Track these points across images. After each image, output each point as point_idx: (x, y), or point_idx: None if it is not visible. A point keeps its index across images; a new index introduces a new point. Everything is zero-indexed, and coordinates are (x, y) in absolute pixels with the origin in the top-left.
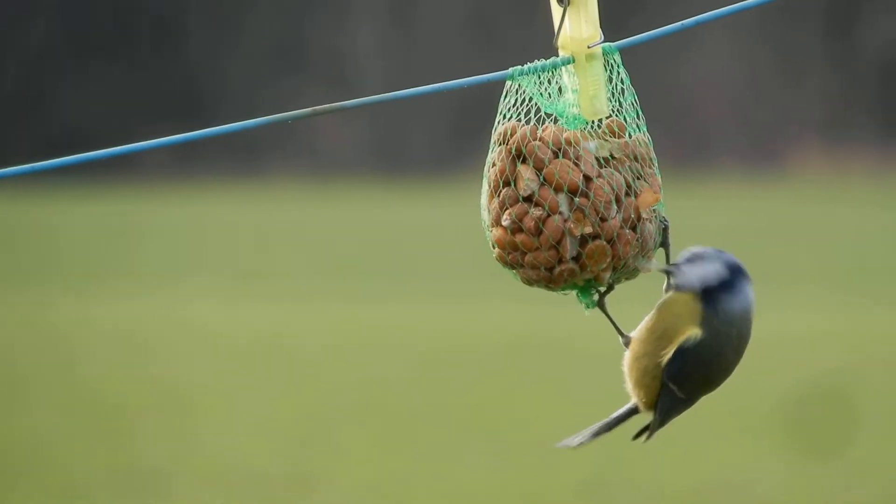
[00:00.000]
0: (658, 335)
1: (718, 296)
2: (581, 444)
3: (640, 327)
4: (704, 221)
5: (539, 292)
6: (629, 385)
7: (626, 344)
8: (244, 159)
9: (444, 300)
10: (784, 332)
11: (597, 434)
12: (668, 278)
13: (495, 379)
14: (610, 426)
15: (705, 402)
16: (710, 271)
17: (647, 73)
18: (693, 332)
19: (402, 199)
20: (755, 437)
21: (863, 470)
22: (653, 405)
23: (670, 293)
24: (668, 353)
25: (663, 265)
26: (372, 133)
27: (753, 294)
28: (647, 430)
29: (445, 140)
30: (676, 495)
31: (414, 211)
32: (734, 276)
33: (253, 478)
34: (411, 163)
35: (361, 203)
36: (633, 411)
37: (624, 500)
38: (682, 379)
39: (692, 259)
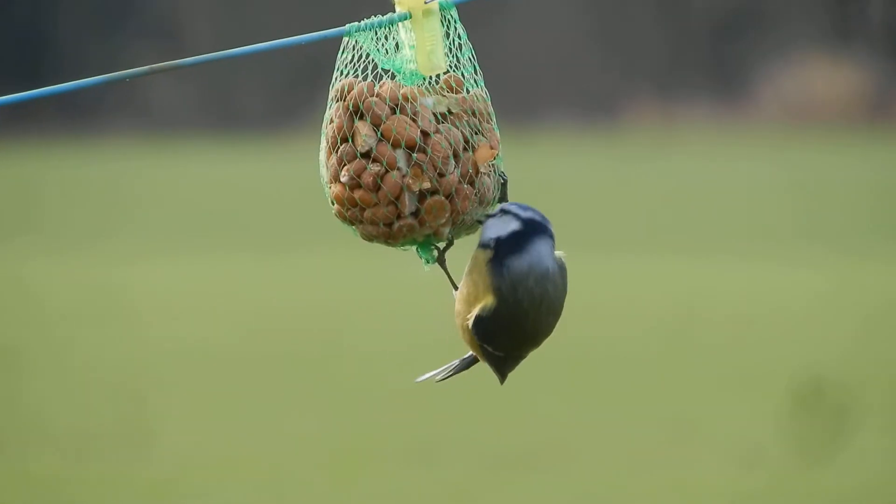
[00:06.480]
0: (464, 297)
1: (508, 256)
2: (444, 378)
3: (462, 280)
4: (539, 176)
5: (377, 247)
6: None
7: None
8: (73, 117)
9: (274, 257)
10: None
11: (457, 371)
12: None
13: (328, 335)
14: (469, 364)
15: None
16: (504, 228)
17: (480, 28)
18: (486, 301)
19: (238, 155)
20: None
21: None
22: (482, 358)
23: (476, 249)
24: (470, 320)
25: (480, 215)
26: (202, 90)
27: (549, 250)
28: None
29: (279, 97)
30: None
31: (248, 167)
32: (528, 232)
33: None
34: (246, 121)
35: (196, 160)
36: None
37: (457, 461)
38: (490, 340)
39: (500, 214)
